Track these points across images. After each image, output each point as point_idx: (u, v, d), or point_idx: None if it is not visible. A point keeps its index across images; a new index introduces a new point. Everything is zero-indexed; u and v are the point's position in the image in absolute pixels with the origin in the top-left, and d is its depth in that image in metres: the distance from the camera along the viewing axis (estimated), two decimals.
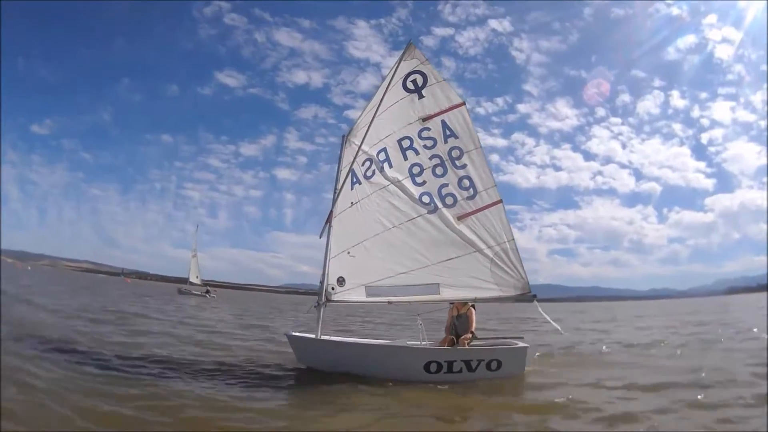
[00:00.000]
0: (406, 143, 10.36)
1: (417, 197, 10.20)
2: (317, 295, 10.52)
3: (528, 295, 10.01)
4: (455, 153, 10.14)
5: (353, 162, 10.51)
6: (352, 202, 10.49)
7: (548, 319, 10.35)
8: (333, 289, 10.40)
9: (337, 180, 10.70)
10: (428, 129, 10.31)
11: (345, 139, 10.87)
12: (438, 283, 10.03)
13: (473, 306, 10.45)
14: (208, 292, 50.27)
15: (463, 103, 10.33)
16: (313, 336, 10.12)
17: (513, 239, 9.97)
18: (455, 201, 10.08)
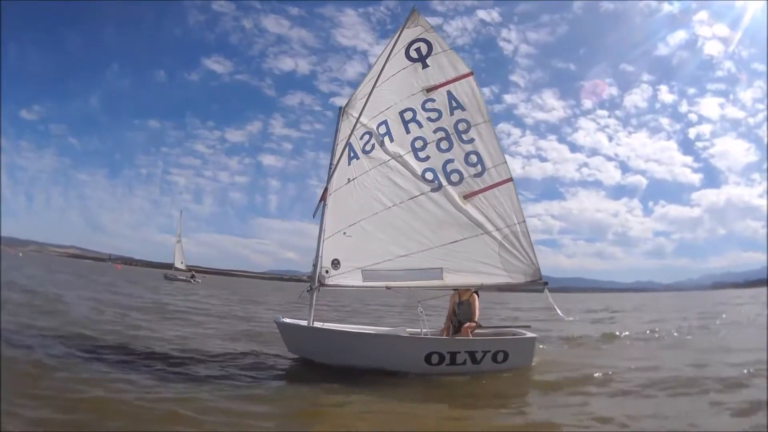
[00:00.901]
0: (408, 115, 9.25)
1: (420, 173, 9.11)
2: (309, 279, 9.44)
3: (539, 283, 8.99)
4: (462, 126, 9.06)
5: (350, 135, 9.38)
6: (349, 179, 9.38)
7: (556, 309, 9.29)
8: (327, 272, 9.31)
9: (332, 155, 9.56)
10: (433, 100, 9.21)
11: (342, 110, 9.72)
12: (441, 268, 8.99)
13: (476, 292, 9.43)
14: (193, 277, 49.13)
15: (471, 73, 9.24)
16: (304, 323, 9.07)
17: (524, 221, 8.94)
18: (461, 178, 9.01)
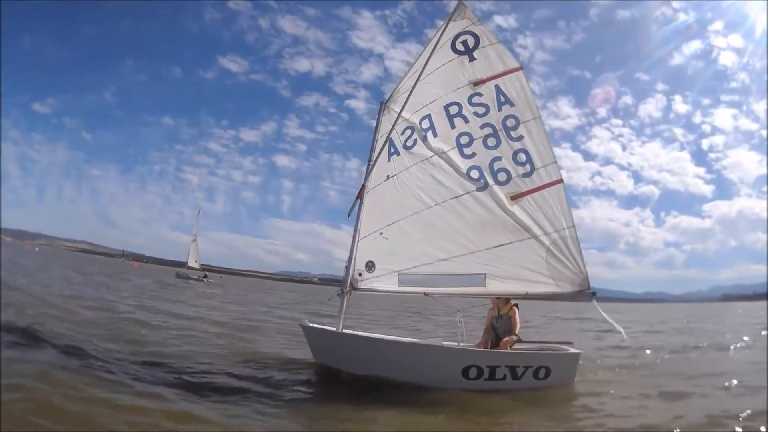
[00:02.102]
0: (453, 109, 8.33)
1: (464, 171, 8.16)
2: (342, 282, 8.52)
3: (587, 293, 7.94)
4: (510, 122, 8.11)
5: (391, 130, 8.47)
6: (388, 175, 8.47)
7: (611, 321, 8.16)
8: (360, 275, 8.39)
9: (372, 150, 8.67)
10: (480, 95, 8.28)
11: (383, 105, 8.83)
12: (484, 274, 8.02)
13: (516, 305, 8.44)
14: (206, 276, 47.83)
15: (521, 68, 8.31)
16: (332, 329, 8.15)
17: (573, 226, 7.93)
18: (509, 177, 8.03)
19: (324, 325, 8.72)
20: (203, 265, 53.35)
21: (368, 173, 8.51)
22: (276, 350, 9.90)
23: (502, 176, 8.02)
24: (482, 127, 8.16)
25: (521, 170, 7.98)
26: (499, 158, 8.05)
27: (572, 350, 8.40)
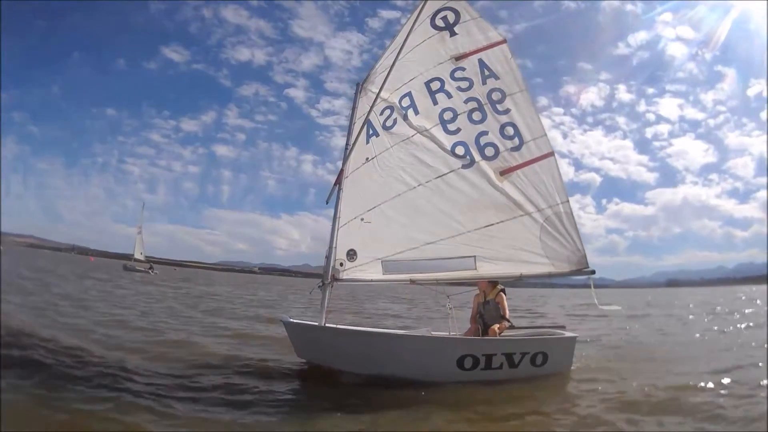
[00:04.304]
0: (435, 85, 7.18)
1: (449, 148, 6.99)
2: (323, 274, 7.16)
3: (585, 271, 6.78)
4: (496, 96, 6.99)
5: (369, 112, 7.23)
6: (367, 158, 7.25)
7: (597, 303, 7.07)
8: (342, 264, 7.08)
9: (349, 134, 7.45)
10: (462, 69, 7.16)
11: (360, 87, 7.64)
12: (474, 256, 6.83)
13: (503, 290, 7.34)
14: (151, 268, 45.46)
15: (504, 41, 7.23)
16: (315, 323, 6.81)
17: (567, 201, 6.84)
18: (497, 152, 6.88)
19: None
20: (148, 257, 50.74)
21: (346, 157, 7.28)
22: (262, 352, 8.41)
23: (489, 151, 6.87)
24: (466, 101, 7.03)
25: (509, 144, 6.85)
26: (485, 132, 6.89)
27: (568, 334, 7.37)
